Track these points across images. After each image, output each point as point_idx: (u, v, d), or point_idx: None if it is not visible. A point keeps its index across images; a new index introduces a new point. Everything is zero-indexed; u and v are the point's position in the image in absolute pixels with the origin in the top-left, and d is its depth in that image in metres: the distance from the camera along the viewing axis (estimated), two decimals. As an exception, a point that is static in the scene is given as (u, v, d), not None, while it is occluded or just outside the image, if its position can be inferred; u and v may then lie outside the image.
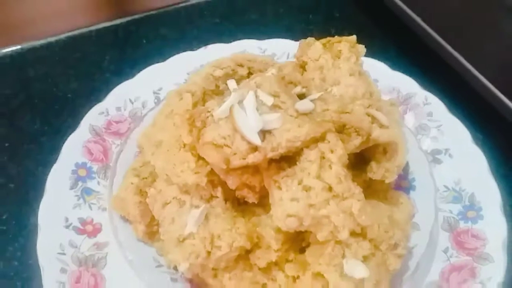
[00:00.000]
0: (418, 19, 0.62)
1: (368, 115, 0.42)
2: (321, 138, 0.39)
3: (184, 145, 0.40)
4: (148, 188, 0.44)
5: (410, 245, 0.45)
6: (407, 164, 0.50)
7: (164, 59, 0.60)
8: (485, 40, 0.55)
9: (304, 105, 0.39)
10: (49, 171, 0.51)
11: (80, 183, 0.51)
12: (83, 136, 0.53)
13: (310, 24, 0.69)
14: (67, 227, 0.48)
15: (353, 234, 0.39)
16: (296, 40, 0.49)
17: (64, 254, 0.46)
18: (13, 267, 0.50)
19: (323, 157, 0.38)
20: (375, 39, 0.65)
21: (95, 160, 0.53)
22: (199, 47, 0.62)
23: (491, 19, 0.53)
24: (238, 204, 0.43)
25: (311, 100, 0.40)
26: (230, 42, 0.62)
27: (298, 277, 0.41)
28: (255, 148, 0.37)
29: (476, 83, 0.56)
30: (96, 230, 0.48)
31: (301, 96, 0.41)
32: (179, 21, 0.76)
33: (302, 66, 0.45)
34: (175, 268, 0.43)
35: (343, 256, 0.39)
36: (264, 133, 0.38)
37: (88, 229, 0.48)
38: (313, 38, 0.46)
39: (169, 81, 0.57)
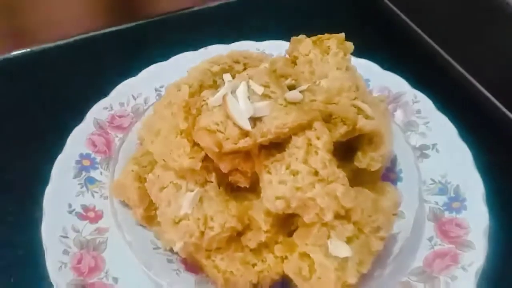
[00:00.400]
0: (410, 23, 0.65)
1: (354, 106, 0.44)
2: (308, 126, 0.41)
3: (181, 132, 0.43)
4: (147, 175, 0.46)
5: (395, 231, 0.47)
6: (394, 157, 0.53)
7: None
8: (472, 41, 0.58)
9: (293, 95, 0.42)
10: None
11: (83, 173, 0.54)
12: (87, 129, 0.56)
13: (308, 29, 0.72)
14: (70, 212, 0.51)
15: (337, 217, 0.41)
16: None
17: (67, 237, 0.49)
18: (18, 256, 0.51)
19: (310, 144, 0.41)
20: (369, 42, 0.68)
21: (99, 152, 0.55)
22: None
23: (477, 19, 0.56)
24: (231, 190, 0.45)
25: (300, 91, 0.43)
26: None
27: (286, 257, 0.43)
28: (246, 134, 0.40)
29: (463, 82, 0.58)
30: (98, 217, 0.51)
31: (291, 88, 0.44)
32: (183, 26, 0.79)
33: (293, 61, 0.48)
34: (171, 250, 0.46)
35: (328, 237, 0.41)
36: (254, 120, 0.40)
37: (90, 215, 0.51)
38: (304, 35, 0.48)
39: (170, 79, 0.59)
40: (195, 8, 0.83)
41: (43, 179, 0.53)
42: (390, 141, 0.48)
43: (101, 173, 0.54)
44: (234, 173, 0.44)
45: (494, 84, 0.56)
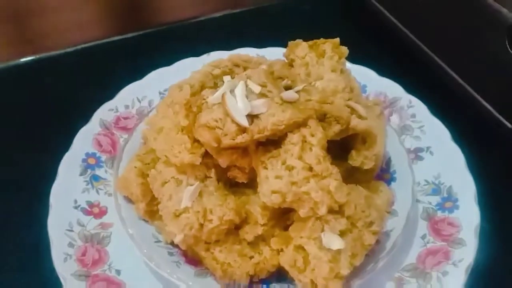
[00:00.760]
0: (406, 30, 0.67)
1: (348, 106, 0.47)
2: (303, 124, 0.43)
3: (182, 129, 0.45)
4: (150, 171, 0.48)
5: (388, 228, 0.48)
6: (389, 158, 0.55)
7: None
8: (465, 49, 0.60)
9: (289, 94, 0.44)
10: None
11: (89, 171, 0.56)
12: (93, 129, 0.59)
13: (309, 38, 0.75)
14: (75, 208, 0.53)
15: (331, 211, 0.43)
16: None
17: (72, 231, 0.51)
18: (25, 253, 0.53)
19: (305, 141, 0.43)
20: (366, 49, 0.70)
21: (104, 151, 0.58)
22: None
23: (471, 28, 0.58)
24: (230, 186, 0.47)
25: (296, 91, 0.45)
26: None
27: (282, 250, 0.45)
28: (243, 130, 0.42)
29: (456, 88, 0.60)
30: (102, 212, 0.53)
31: (288, 88, 0.46)
32: (187, 35, 0.82)
33: (290, 64, 0.50)
34: (172, 243, 0.48)
35: (322, 231, 0.43)
36: (252, 117, 0.42)
37: (95, 211, 0.53)
38: (301, 40, 0.51)
39: (173, 82, 0.62)
40: (201, 18, 0.86)
41: (50, 178, 0.54)
42: (383, 142, 0.50)
43: (106, 171, 0.56)
44: (232, 169, 0.46)
45: (486, 90, 0.58)
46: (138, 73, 0.69)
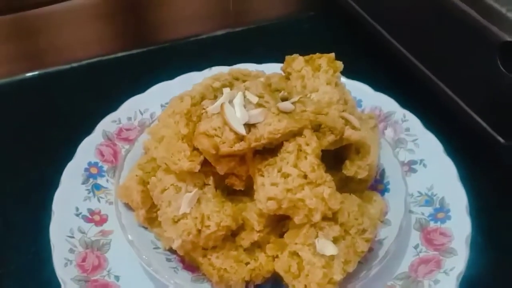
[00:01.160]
0: (402, 49, 0.69)
1: (342, 118, 0.48)
2: (299, 133, 0.45)
3: (182, 138, 0.47)
4: (150, 179, 0.50)
5: (381, 237, 0.50)
6: (383, 170, 0.56)
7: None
8: (460, 66, 0.62)
9: (285, 105, 0.46)
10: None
11: (91, 180, 0.57)
12: (96, 139, 0.60)
13: (307, 54, 0.77)
14: (77, 215, 0.54)
15: (325, 218, 0.45)
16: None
17: (73, 237, 0.52)
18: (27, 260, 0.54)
19: (300, 149, 0.45)
20: (363, 67, 0.72)
21: (106, 161, 0.59)
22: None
23: (464, 44, 0.60)
24: (227, 193, 0.49)
25: (292, 103, 0.47)
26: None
27: (277, 256, 0.46)
28: (241, 138, 0.44)
29: (449, 103, 0.62)
30: (103, 220, 0.54)
31: (284, 99, 0.48)
32: (189, 52, 0.85)
33: (287, 77, 0.52)
34: (170, 250, 0.49)
35: (316, 237, 0.44)
36: (249, 126, 0.44)
37: (96, 218, 0.54)
38: (297, 54, 0.53)
39: (175, 95, 0.64)
40: (202, 36, 0.88)
41: (54, 187, 0.56)
42: (377, 152, 0.51)
43: (107, 180, 0.58)
44: (230, 177, 0.47)
45: (478, 105, 0.59)
46: (141, 88, 0.71)
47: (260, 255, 0.47)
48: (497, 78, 0.56)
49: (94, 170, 0.58)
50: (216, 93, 0.54)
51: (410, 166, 0.59)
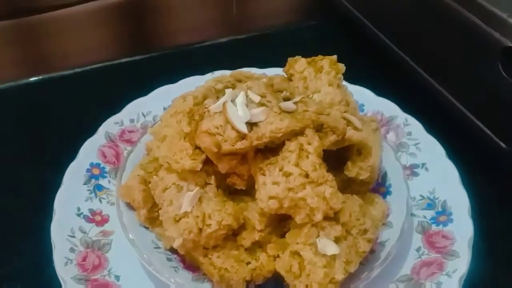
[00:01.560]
0: (404, 55, 0.70)
1: (344, 118, 0.48)
2: (300, 133, 0.45)
3: (184, 136, 0.47)
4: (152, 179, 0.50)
5: (383, 239, 0.49)
6: (385, 173, 0.56)
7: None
8: (461, 72, 0.62)
9: (287, 105, 0.46)
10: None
11: (93, 180, 0.57)
12: (99, 141, 0.60)
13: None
14: (78, 215, 0.54)
15: (327, 218, 0.45)
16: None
17: (74, 237, 0.52)
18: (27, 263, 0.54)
19: (302, 148, 0.45)
20: (365, 73, 0.73)
21: (108, 162, 0.59)
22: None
23: (465, 50, 0.60)
24: (229, 193, 0.49)
25: (294, 102, 0.47)
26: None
27: (278, 256, 0.46)
28: (243, 137, 0.44)
29: (451, 108, 0.62)
30: (104, 221, 0.55)
31: (286, 99, 0.48)
32: (193, 59, 0.85)
33: (289, 79, 0.52)
34: (171, 249, 0.49)
35: (318, 236, 0.44)
36: (251, 125, 0.44)
37: (97, 218, 0.54)
38: (299, 56, 0.53)
39: (178, 98, 0.65)
40: (206, 43, 0.89)
41: (56, 187, 0.56)
42: (379, 154, 0.51)
43: (109, 181, 0.58)
44: (232, 176, 0.47)
45: (480, 110, 0.60)
46: (144, 94, 0.71)
47: (261, 255, 0.46)
48: (499, 83, 0.56)
49: (96, 171, 0.58)
50: (218, 95, 0.54)
51: (412, 170, 0.59)
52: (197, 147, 0.46)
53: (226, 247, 0.46)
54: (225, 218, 0.45)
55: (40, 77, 0.80)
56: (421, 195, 0.56)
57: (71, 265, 0.49)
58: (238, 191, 0.48)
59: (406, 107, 0.64)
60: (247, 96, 0.46)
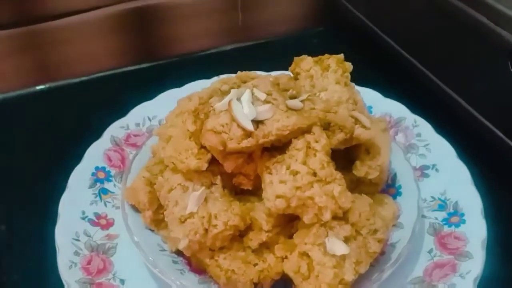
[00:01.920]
0: (410, 57, 0.69)
1: (352, 117, 0.48)
2: (308, 130, 0.44)
3: (190, 136, 0.46)
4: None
5: (394, 240, 0.48)
6: (394, 174, 0.55)
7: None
8: (469, 72, 0.62)
9: (294, 103, 0.45)
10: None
11: (98, 184, 0.57)
12: (104, 144, 0.60)
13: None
14: (83, 218, 0.53)
15: (336, 218, 0.43)
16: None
17: (78, 240, 0.51)
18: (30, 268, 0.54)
19: (309, 146, 0.44)
20: (373, 77, 0.72)
21: (113, 166, 0.59)
22: (214, 79, 0.69)
23: (473, 51, 0.59)
24: (235, 193, 0.48)
25: (300, 101, 0.46)
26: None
27: (286, 257, 0.44)
28: (249, 135, 0.43)
29: (460, 109, 0.61)
30: (109, 224, 0.54)
31: (292, 98, 0.47)
32: (199, 66, 0.85)
33: (296, 78, 0.52)
34: (177, 252, 0.48)
35: (326, 236, 0.43)
36: (257, 123, 0.43)
37: (102, 222, 0.54)
38: (306, 55, 0.53)
39: (184, 103, 0.64)
40: (212, 50, 0.89)
41: (61, 191, 0.55)
42: (388, 154, 0.50)
43: (114, 185, 0.57)
44: (238, 176, 0.47)
45: (488, 111, 0.59)
46: (148, 100, 0.71)
47: (269, 256, 0.45)
48: (509, 83, 0.55)
49: (101, 175, 0.58)
50: (224, 96, 0.53)
51: (422, 171, 0.58)
52: (202, 147, 0.46)
53: (233, 248, 0.45)
54: (231, 218, 0.44)
55: (47, 85, 0.80)
56: (432, 197, 0.55)
57: (76, 268, 0.48)
58: (244, 191, 0.48)
59: (415, 110, 0.63)
60: (253, 93, 0.45)
